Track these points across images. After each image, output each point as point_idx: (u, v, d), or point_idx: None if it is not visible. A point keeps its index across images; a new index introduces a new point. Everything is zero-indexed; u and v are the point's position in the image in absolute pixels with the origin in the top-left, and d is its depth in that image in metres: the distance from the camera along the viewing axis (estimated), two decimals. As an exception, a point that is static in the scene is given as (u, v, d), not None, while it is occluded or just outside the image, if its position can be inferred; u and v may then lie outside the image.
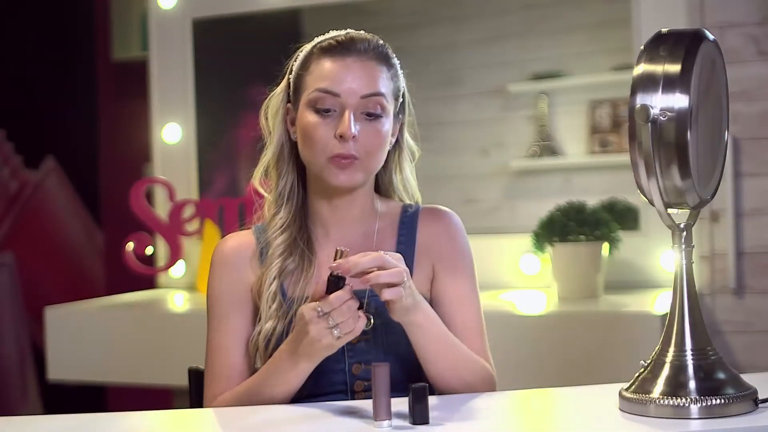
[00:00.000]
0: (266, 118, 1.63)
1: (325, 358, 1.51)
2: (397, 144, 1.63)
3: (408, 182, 1.67)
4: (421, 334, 1.46)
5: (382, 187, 1.66)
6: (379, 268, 1.37)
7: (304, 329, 1.39)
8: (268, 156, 1.63)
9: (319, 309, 1.37)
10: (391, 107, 1.55)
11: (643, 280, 2.86)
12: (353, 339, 1.50)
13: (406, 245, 1.60)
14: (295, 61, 1.60)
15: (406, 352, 1.52)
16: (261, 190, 1.65)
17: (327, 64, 1.53)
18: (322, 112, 1.52)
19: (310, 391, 1.52)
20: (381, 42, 1.58)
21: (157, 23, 3.49)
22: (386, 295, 1.37)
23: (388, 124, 1.55)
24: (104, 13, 4.14)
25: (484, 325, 1.61)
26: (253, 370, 1.56)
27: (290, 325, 1.51)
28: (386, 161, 1.62)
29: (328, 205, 1.59)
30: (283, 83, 1.62)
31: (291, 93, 1.59)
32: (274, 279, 1.55)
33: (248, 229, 1.67)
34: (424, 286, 1.59)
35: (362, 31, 1.59)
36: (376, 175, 1.63)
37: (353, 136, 1.49)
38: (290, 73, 1.60)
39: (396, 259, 1.40)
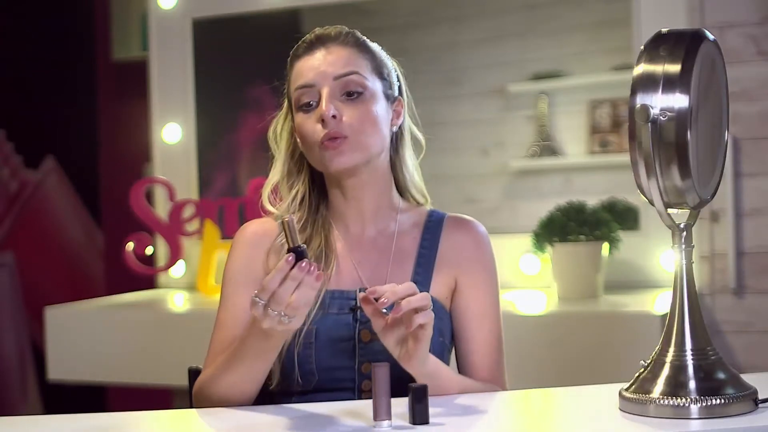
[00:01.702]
0: (273, 139, 1.65)
1: (334, 356, 1.52)
2: (400, 131, 1.63)
3: (412, 175, 1.66)
4: (433, 384, 1.41)
5: (398, 185, 1.66)
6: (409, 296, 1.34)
7: (257, 323, 1.35)
8: (275, 174, 1.63)
9: (257, 299, 1.32)
10: (375, 86, 1.56)
11: (643, 280, 2.86)
12: (365, 338, 1.51)
13: (428, 250, 1.60)
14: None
15: None
16: (270, 208, 1.63)
17: (300, 65, 1.57)
18: (305, 107, 1.54)
19: (317, 386, 1.52)
20: (348, 30, 1.60)
21: (157, 23, 3.49)
22: (419, 319, 1.33)
23: (375, 104, 1.55)
24: (104, 13, 4.15)
25: (503, 340, 1.61)
26: None
27: (304, 326, 1.51)
28: (395, 153, 1.63)
29: (343, 199, 1.60)
30: (285, 104, 1.64)
31: (290, 108, 1.61)
32: None
33: (272, 216, 1.65)
34: (442, 294, 1.59)
35: (329, 26, 1.61)
36: (394, 175, 1.63)
37: (333, 116, 1.51)
38: (286, 92, 1.63)
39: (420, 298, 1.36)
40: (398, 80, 1.63)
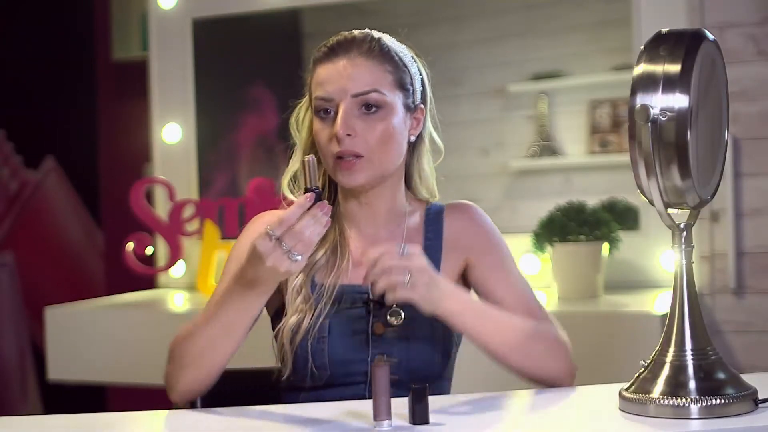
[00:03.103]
0: (295, 128, 1.64)
1: (347, 349, 1.52)
2: (419, 137, 1.63)
3: (426, 179, 1.66)
4: (461, 321, 1.46)
5: (409, 186, 1.67)
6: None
7: (259, 260, 1.36)
8: (295, 164, 1.63)
9: (271, 231, 1.35)
10: (394, 100, 1.55)
11: (643, 280, 2.85)
12: (378, 330, 1.52)
13: (433, 241, 1.61)
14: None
15: (432, 347, 1.53)
16: (290, 196, 1.64)
17: (321, 72, 1.55)
18: (323, 116, 1.54)
19: (328, 381, 1.53)
20: (375, 36, 1.58)
21: (157, 23, 3.49)
22: (389, 298, 1.39)
23: (392, 117, 1.54)
24: (104, 13, 4.14)
25: (533, 292, 1.61)
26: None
27: (318, 318, 1.52)
28: (411, 158, 1.63)
29: (356, 202, 1.60)
30: (308, 94, 1.63)
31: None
32: (300, 272, 1.55)
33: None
34: (452, 281, 1.58)
35: (355, 30, 1.59)
36: (406, 176, 1.64)
37: (348, 135, 1.50)
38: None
39: (413, 257, 1.40)
40: (422, 84, 1.62)
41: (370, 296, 1.54)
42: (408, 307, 1.51)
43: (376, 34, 1.58)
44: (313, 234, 1.35)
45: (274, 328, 1.59)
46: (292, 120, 1.64)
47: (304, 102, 1.63)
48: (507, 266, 1.61)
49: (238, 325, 1.46)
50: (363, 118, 1.52)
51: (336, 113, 1.52)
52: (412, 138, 1.61)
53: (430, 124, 1.65)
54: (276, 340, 1.57)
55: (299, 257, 1.35)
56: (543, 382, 1.52)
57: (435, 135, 1.67)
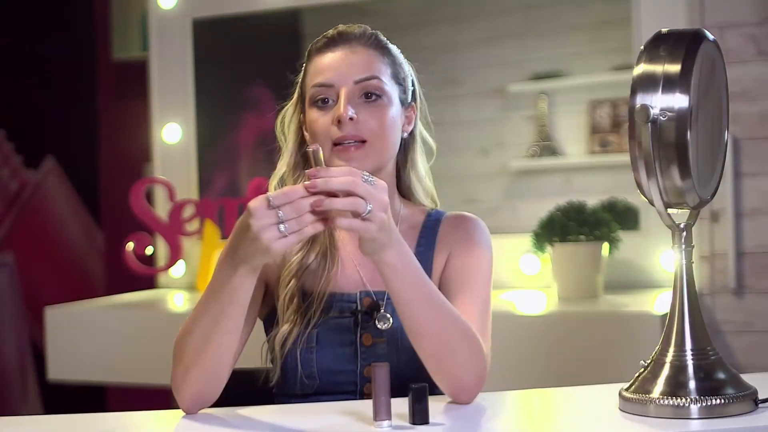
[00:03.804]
0: (281, 130, 1.63)
1: (336, 360, 1.51)
2: (411, 136, 1.63)
3: (422, 179, 1.65)
4: (394, 276, 1.34)
5: (402, 188, 1.66)
6: (349, 194, 1.25)
7: (245, 226, 1.26)
8: (282, 166, 1.61)
9: (271, 198, 1.25)
10: (392, 91, 1.55)
11: (643, 280, 2.86)
12: (367, 341, 1.51)
13: (425, 247, 1.59)
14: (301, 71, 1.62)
15: None
16: None
17: (320, 61, 1.55)
18: (321, 104, 1.53)
19: (318, 389, 1.52)
20: (372, 31, 1.59)
21: (157, 23, 3.49)
22: (340, 223, 1.26)
23: (391, 108, 1.54)
24: (104, 13, 4.15)
25: (490, 316, 1.53)
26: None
27: (307, 327, 1.51)
28: (403, 157, 1.62)
29: None
30: (295, 95, 1.63)
31: (302, 102, 1.60)
32: (293, 278, 1.54)
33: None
34: (437, 277, 1.57)
35: (352, 24, 1.60)
36: (397, 176, 1.63)
37: (351, 118, 1.49)
38: (299, 84, 1.62)
39: (379, 189, 1.28)
40: (413, 85, 1.63)
41: (358, 307, 1.53)
42: (396, 316, 1.49)
43: (371, 29, 1.60)
44: (313, 216, 1.26)
45: (267, 333, 1.59)
46: (278, 122, 1.63)
47: (291, 103, 1.63)
48: (478, 279, 1.54)
49: (228, 314, 1.37)
50: (363, 106, 1.52)
51: (335, 101, 1.51)
52: (405, 134, 1.60)
53: (421, 125, 1.65)
54: (268, 345, 1.57)
55: (287, 233, 1.25)
56: (447, 384, 1.41)
57: (426, 135, 1.67)
